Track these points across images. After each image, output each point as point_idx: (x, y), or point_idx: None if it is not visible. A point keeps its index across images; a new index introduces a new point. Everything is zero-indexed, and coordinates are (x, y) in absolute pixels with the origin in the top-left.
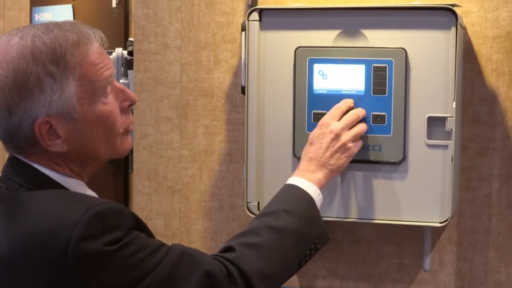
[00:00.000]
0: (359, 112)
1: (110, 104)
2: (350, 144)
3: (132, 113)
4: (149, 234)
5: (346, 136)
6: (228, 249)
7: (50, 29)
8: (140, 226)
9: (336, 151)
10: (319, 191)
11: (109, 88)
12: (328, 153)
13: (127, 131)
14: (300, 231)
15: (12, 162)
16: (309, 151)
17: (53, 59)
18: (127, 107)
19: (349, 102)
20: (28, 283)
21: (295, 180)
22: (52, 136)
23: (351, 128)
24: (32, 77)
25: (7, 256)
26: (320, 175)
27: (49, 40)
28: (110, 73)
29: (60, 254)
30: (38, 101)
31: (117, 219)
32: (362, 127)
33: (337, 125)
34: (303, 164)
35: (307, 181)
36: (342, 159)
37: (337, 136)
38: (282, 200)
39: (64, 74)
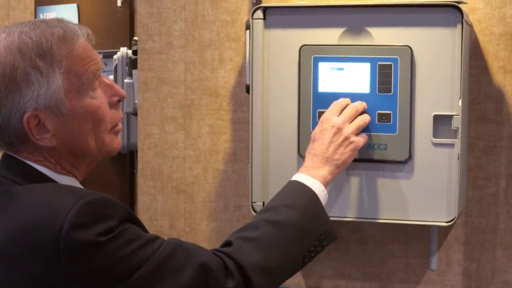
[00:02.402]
0: (358, 105)
1: (98, 99)
2: (354, 138)
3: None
4: (144, 229)
5: (348, 129)
6: (226, 244)
7: (37, 25)
8: (133, 220)
9: (340, 145)
10: (323, 187)
11: (97, 83)
12: (331, 148)
13: (115, 128)
14: (302, 226)
15: (5, 159)
16: (312, 148)
17: (40, 53)
18: (116, 102)
19: (347, 99)
20: (23, 274)
21: (298, 176)
22: (41, 130)
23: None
24: (19, 71)
25: (2, 250)
26: (325, 171)
27: (35, 35)
28: (97, 67)
29: (52, 242)
30: (25, 95)
31: (109, 210)
32: (363, 119)
33: (337, 119)
34: (307, 161)
35: (310, 177)
36: (346, 153)
37: (339, 130)
38: (284, 195)
39: (50, 68)
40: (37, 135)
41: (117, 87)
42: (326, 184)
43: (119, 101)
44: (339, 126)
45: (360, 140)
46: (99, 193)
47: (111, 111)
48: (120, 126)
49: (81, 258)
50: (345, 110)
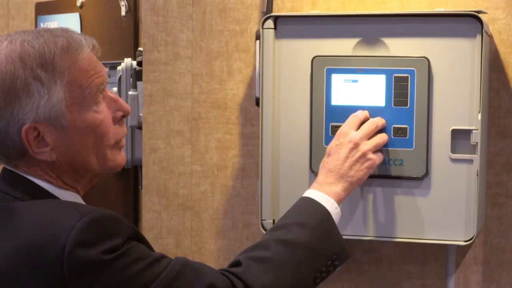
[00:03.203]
0: (378, 121)
1: (101, 113)
2: (371, 155)
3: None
4: (150, 248)
5: (366, 146)
6: (235, 263)
7: (41, 34)
8: (139, 238)
9: (356, 162)
10: (336, 205)
11: (100, 96)
12: (347, 164)
13: (119, 144)
14: (314, 245)
15: (4, 174)
16: (327, 163)
17: (41, 63)
18: (120, 117)
19: (365, 112)
20: None
21: (311, 193)
22: (40, 143)
23: (370, 138)
24: (20, 81)
25: (3, 269)
26: (339, 187)
27: (38, 44)
28: (102, 80)
29: (55, 262)
30: (25, 106)
31: (115, 227)
32: (382, 137)
33: (355, 135)
34: (320, 176)
35: (323, 194)
36: (362, 171)
37: (356, 146)
38: (295, 213)
39: (52, 79)
40: (35, 149)
41: (122, 102)
42: (339, 201)
43: (123, 116)
44: (356, 142)
45: (378, 158)
46: (103, 210)
47: (115, 127)
48: (123, 142)
49: (86, 278)
50: (364, 125)
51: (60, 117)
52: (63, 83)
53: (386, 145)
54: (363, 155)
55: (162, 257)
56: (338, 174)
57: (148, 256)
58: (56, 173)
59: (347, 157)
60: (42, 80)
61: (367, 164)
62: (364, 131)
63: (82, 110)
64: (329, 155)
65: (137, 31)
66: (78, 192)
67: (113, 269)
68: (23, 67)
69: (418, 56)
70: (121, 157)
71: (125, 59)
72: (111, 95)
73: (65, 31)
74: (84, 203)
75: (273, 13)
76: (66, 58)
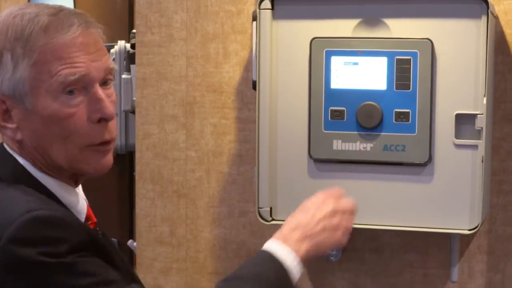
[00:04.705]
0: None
1: (73, 107)
2: (341, 231)
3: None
4: (114, 262)
5: (344, 220)
6: None
7: (36, 10)
8: (98, 248)
9: (328, 229)
10: (298, 259)
11: (77, 90)
12: (319, 227)
13: (100, 148)
14: None
15: None
16: (301, 218)
17: (19, 37)
18: (96, 120)
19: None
20: None
21: (272, 245)
22: (7, 117)
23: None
24: None
25: None
26: (303, 245)
27: (26, 19)
28: (74, 72)
29: None
30: None
31: (61, 231)
32: (352, 222)
33: (339, 205)
34: (287, 228)
35: (286, 246)
36: (329, 240)
37: (334, 214)
38: (251, 265)
39: (21, 56)
40: (1, 121)
41: (105, 104)
42: (302, 258)
43: (103, 119)
44: (337, 211)
45: (344, 237)
46: (60, 210)
47: (91, 128)
48: (110, 146)
49: (18, 273)
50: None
51: (23, 96)
52: (31, 63)
53: (387, 130)
54: (337, 226)
55: (114, 281)
56: (306, 234)
57: (95, 275)
58: (29, 154)
59: (321, 220)
60: (13, 54)
61: (335, 236)
62: (345, 207)
63: (48, 97)
64: (303, 211)
65: (132, 13)
66: (64, 182)
67: (50, 272)
68: (4, 38)
69: (421, 37)
70: (104, 161)
71: (119, 41)
72: (98, 94)
73: (59, 10)
74: (74, 193)
75: None
76: (42, 38)
